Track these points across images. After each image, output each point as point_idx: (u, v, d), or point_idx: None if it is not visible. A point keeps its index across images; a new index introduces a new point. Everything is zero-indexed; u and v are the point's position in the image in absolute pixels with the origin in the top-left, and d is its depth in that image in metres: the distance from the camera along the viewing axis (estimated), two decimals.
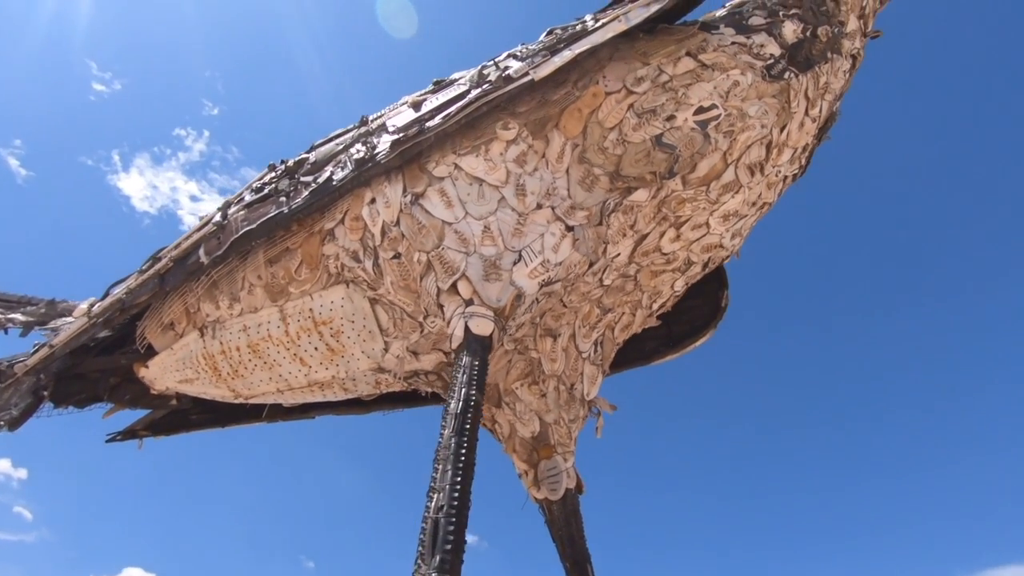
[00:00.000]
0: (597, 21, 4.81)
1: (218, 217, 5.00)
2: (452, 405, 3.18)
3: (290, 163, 5.09)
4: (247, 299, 5.01)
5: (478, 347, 3.62)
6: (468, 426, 3.05)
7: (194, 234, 5.14)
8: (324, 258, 4.77)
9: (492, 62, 4.99)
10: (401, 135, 4.51)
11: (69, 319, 5.83)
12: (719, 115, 4.89)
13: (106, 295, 5.57)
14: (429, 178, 4.48)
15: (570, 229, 4.42)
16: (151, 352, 5.71)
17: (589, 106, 4.72)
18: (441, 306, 4.09)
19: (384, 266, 4.48)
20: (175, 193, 28.43)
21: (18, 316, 7.67)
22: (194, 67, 28.29)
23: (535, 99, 4.65)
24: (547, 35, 5.13)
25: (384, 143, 4.59)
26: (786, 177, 5.66)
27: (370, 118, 5.25)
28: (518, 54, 4.81)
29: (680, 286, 5.59)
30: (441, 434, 3.04)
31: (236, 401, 5.60)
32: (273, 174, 5.26)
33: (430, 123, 4.51)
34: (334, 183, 4.58)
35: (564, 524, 4.78)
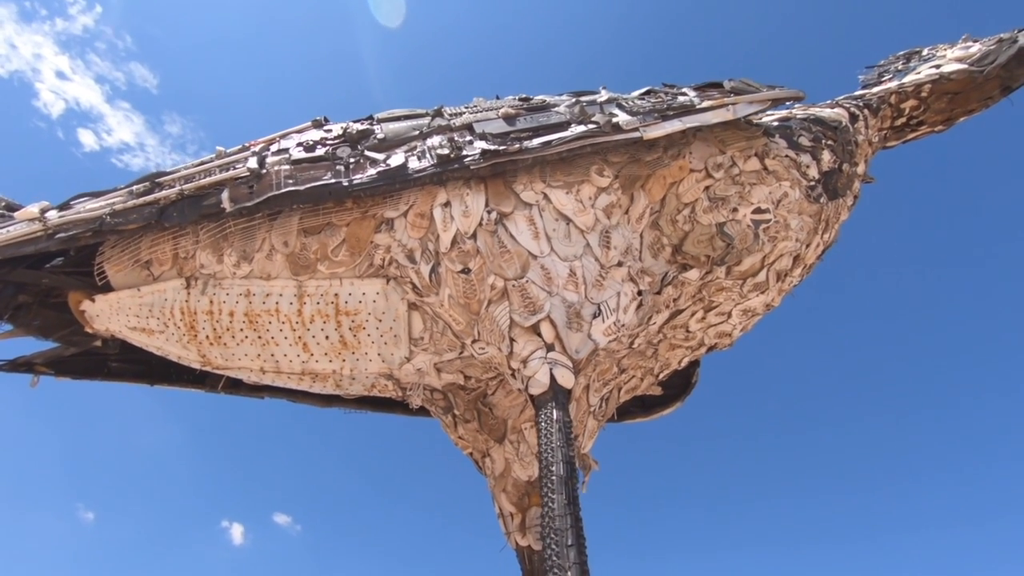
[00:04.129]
0: (701, 97, 4.94)
1: (252, 163, 4.33)
2: (556, 468, 3.00)
3: (353, 130, 4.57)
4: (262, 263, 4.37)
5: (564, 400, 3.47)
6: (576, 494, 2.90)
7: (214, 170, 4.40)
8: (372, 246, 4.32)
9: (593, 101, 4.92)
10: (497, 147, 4.25)
11: (10, 220, 4.67)
12: (770, 219, 5.23)
13: (67, 205, 4.55)
14: (516, 200, 4.26)
15: (640, 293, 4.43)
16: (100, 285, 4.74)
17: (674, 177, 4.82)
18: (513, 340, 3.86)
19: (445, 276, 4.15)
20: (38, 61, 23.76)
21: None
22: None
23: (628, 153, 4.65)
24: (646, 92, 5.17)
25: (474, 148, 4.30)
26: (791, 288, 6.17)
27: (447, 111, 4.90)
28: (624, 104, 4.79)
29: (685, 362, 5.82)
30: (547, 495, 2.85)
31: (199, 367, 4.82)
32: (325, 134, 4.69)
33: (529, 143, 4.31)
34: (410, 172, 4.18)
35: None
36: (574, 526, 2.79)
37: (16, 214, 4.56)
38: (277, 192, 4.13)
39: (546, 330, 3.81)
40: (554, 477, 2.98)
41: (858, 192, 6.56)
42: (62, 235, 4.21)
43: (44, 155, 22.99)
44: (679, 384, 6.88)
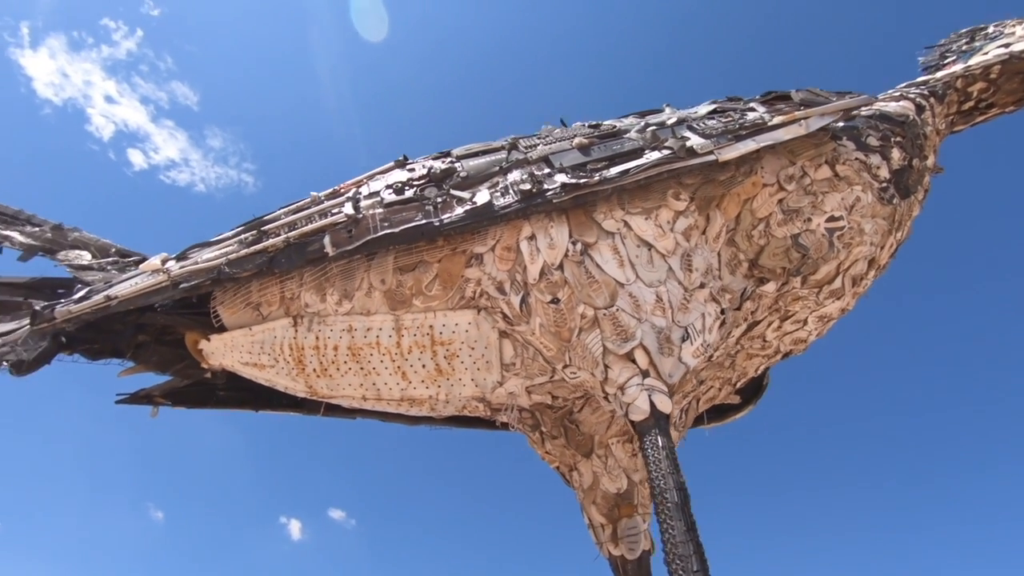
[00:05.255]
0: (771, 112, 5.00)
1: (349, 208, 4.66)
2: (669, 495, 3.20)
3: (436, 169, 4.84)
4: (362, 300, 4.71)
5: (666, 425, 3.66)
6: (693, 520, 3.09)
7: (314, 217, 4.75)
8: (464, 280, 4.59)
9: (662, 123, 5.04)
10: (576, 179, 4.44)
11: (131, 273, 5.17)
12: (844, 226, 5.24)
13: (184, 256, 5.00)
14: (598, 229, 4.45)
15: (723, 312, 4.56)
16: (215, 326, 5.19)
17: (748, 194, 4.90)
18: (607, 367, 4.07)
19: (535, 306, 4.38)
20: (88, 88, 25.13)
21: (17, 236, 6.69)
22: None
23: (701, 174, 4.76)
24: (713, 111, 5.25)
25: (554, 181, 4.50)
26: (865, 290, 6.14)
27: (522, 143, 5.12)
28: (694, 125, 4.90)
29: (761, 370, 5.90)
30: (665, 523, 3.06)
31: (307, 396, 5.22)
32: (409, 174, 4.98)
33: (607, 174, 4.49)
34: (496, 208, 4.42)
35: None
36: (697, 552, 2.98)
37: (141, 266, 5.04)
38: (374, 235, 4.44)
39: (640, 357, 3.99)
40: (670, 504, 3.18)
41: (928, 186, 6.44)
42: (184, 285, 4.64)
43: (98, 176, 24.57)
44: (749, 387, 6.94)
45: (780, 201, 4.99)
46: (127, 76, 25.47)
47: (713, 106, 5.26)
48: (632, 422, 3.77)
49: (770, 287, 5.03)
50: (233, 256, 4.66)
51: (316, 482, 26.11)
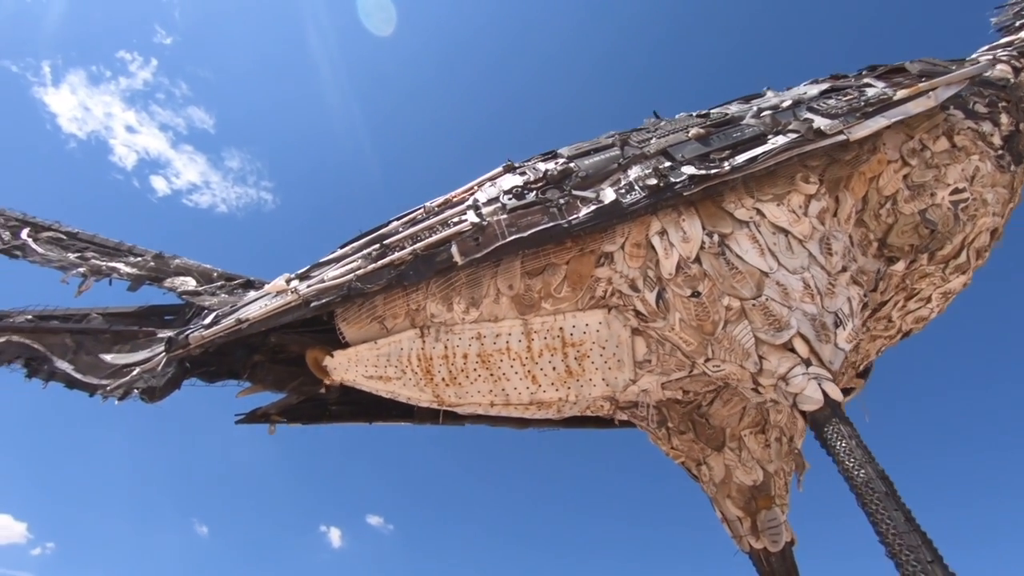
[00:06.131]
0: (891, 87, 4.86)
1: (472, 216, 4.67)
2: (875, 485, 3.12)
3: (553, 172, 4.82)
4: (490, 307, 4.71)
5: (843, 413, 3.59)
6: (907, 507, 3.02)
7: (436, 227, 4.77)
8: (594, 280, 4.56)
9: (777, 107, 4.94)
10: (705, 170, 4.38)
11: (255, 295, 5.27)
12: (968, 198, 5.08)
13: (307, 275, 5.07)
14: (731, 220, 4.38)
15: (865, 295, 4.46)
16: (338, 342, 5.25)
17: (873, 172, 4.78)
18: (762, 358, 4.00)
19: (673, 301, 4.33)
20: (109, 120, 26.08)
21: (121, 267, 6.87)
22: None
23: (825, 156, 4.65)
24: (829, 89, 5.12)
25: (680, 174, 4.45)
26: (984, 261, 5.94)
27: (632, 138, 5.07)
28: (815, 107, 4.79)
29: (883, 352, 5.75)
30: (879, 514, 2.98)
31: (431, 406, 5.25)
32: (522, 178, 4.97)
33: (735, 161, 4.41)
34: (624, 206, 4.38)
35: None
36: (924, 541, 2.90)
37: (266, 288, 5.13)
38: (503, 241, 4.44)
39: (799, 345, 3.91)
40: (878, 495, 3.10)
41: None
42: (315, 303, 4.70)
43: (125, 205, 25.36)
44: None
45: (905, 177, 4.86)
46: (145, 105, 26.26)
47: (825, 85, 5.15)
48: (803, 413, 3.70)
49: (899, 266, 4.90)
50: (361, 272, 4.70)
51: (353, 490, 26.57)
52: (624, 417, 5.48)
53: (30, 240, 6.85)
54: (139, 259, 6.88)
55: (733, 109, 5.14)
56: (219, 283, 6.59)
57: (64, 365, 5.87)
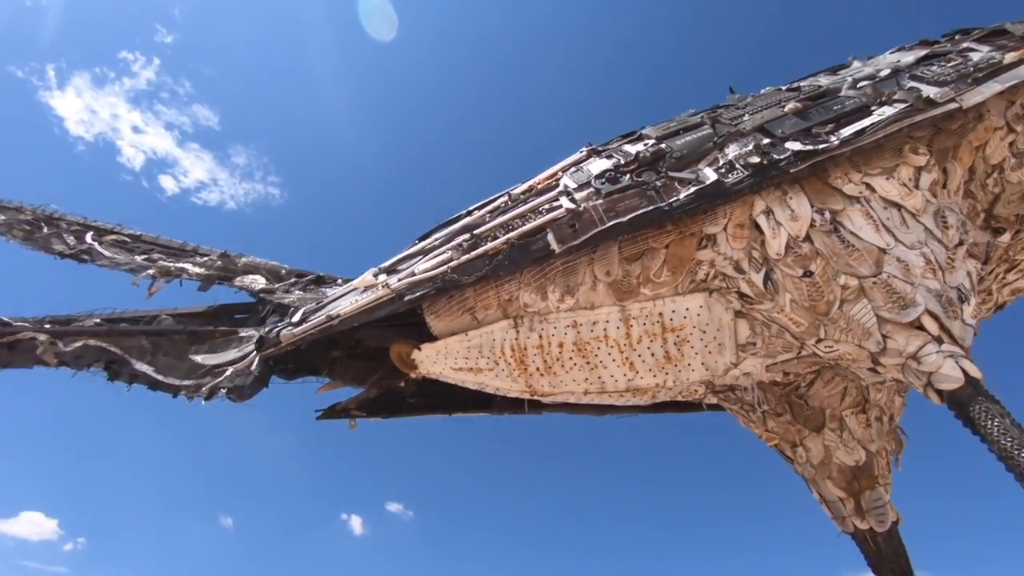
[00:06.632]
0: (998, 51, 4.67)
1: (566, 202, 4.57)
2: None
3: (645, 153, 4.70)
4: (586, 294, 4.63)
5: (987, 391, 3.49)
6: None
7: (528, 215, 4.68)
8: (695, 263, 4.46)
9: (875, 76, 4.77)
10: (815, 146, 4.24)
11: (342, 290, 5.22)
12: None
13: (393, 269, 5.01)
14: (840, 196, 4.24)
15: (981, 268, 4.32)
16: (425, 335, 5.20)
17: (980, 140, 4.61)
18: (886, 337, 3.89)
19: (783, 282, 4.23)
20: (116, 121, 26.06)
21: (190, 267, 6.86)
22: None
23: (931, 125, 4.49)
24: (927, 56, 4.93)
25: (784, 150, 4.31)
26: None
27: (723, 115, 4.93)
28: (919, 75, 4.61)
29: (978, 328, 5.61)
30: None
31: (522, 396, 5.21)
32: (610, 160, 4.85)
33: (842, 135, 4.27)
34: (728, 186, 4.26)
35: (893, 557, 4.77)
36: None
37: (354, 283, 5.08)
38: (603, 227, 4.34)
39: (929, 323, 3.80)
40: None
41: None
42: (409, 297, 4.65)
43: (135, 205, 25.50)
44: None
45: (1011, 144, 4.68)
46: (150, 105, 26.25)
47: (921, 51, 4.96)
48: (940, 391, 3.60)
49: (1005, 237, 4.76)
50: (455, 263, 4.64)
51: (371, 478, 26.90)
52: (714, 401, 5.41)
53: (96, 244, 6.85)
54: (206, 259, 6.87)
55: (824, 81, 4.98)
56: (290, 280, 6.56)
57: (144, 367, 5.86)
